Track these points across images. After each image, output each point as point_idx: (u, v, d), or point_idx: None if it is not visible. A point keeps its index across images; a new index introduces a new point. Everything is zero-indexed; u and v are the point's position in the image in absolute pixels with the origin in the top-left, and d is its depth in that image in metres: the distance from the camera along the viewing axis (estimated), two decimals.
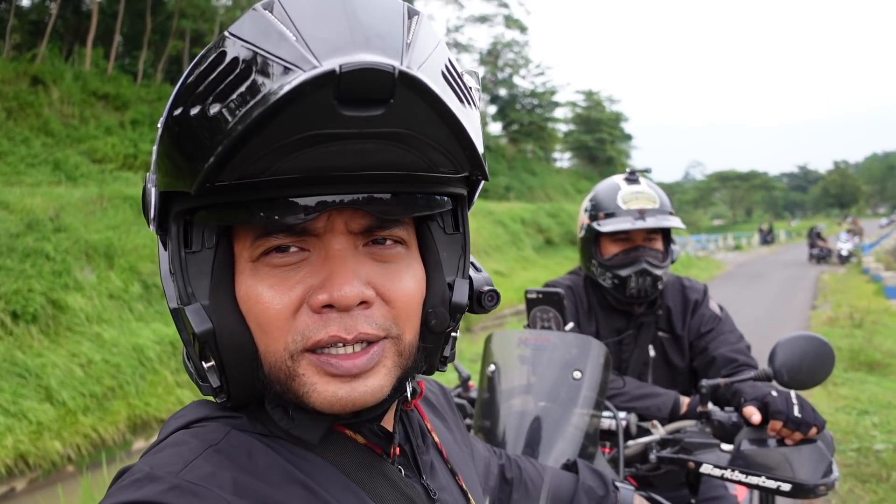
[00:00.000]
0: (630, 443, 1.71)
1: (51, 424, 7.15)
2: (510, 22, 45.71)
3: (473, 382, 2.10)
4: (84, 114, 16.89)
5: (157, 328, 9.42)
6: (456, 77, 0.61)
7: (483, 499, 0.93)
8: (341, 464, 0.69)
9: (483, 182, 0.75)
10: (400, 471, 0.75)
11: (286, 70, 0.50)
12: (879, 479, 4.38)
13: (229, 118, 0.52)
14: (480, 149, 0.63)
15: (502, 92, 45.85)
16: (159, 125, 0.63)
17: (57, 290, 8.85)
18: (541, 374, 1.61)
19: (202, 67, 0.55)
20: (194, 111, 0.54)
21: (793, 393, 1.54)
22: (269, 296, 0.63)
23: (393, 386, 0.67)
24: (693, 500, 1.98)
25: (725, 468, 1.52)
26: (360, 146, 0.56)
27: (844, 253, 24.01)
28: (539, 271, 21.44)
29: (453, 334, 0.75)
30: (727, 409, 1.69)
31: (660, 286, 2.03)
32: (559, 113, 51.74)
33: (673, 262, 2.12)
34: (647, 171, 2.18)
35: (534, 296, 1.76)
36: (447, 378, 6.32)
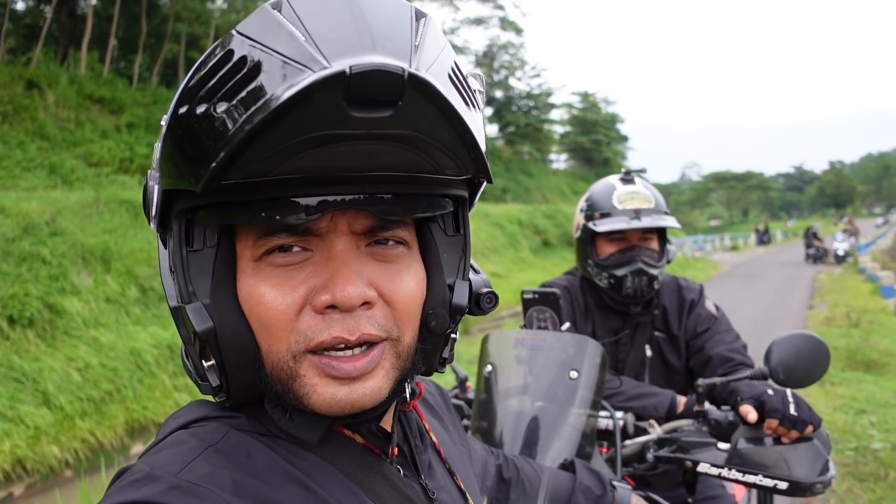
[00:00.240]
0: (627, 442, 1.72)
1: (48, 429, 7.12)
2: (506, 24, 45.73)
3: (471, 383, 2.10)
4: (80, 117, 16.84)
5: (155, 332, 9.40)
6: (461, 79, 0.61)
7: (481, 499, 0.93)
8: (340, 464, 0.69)
9: (484, 184, 0.75)
10: (399, 471, 0.75)
11: (295, 70, 0.50)
12: (877, 478, 4.39)
13: (237, 117, 0.52)
14: (484, 151, 0.64)
15: (498, 94, 45.85)
16: (163, 123, 0.63)
17: (53, 294, 8.82)
18: (537, 375, 1.62)
19: (209, 65, 0.55)
20: (200, 109, 0.54)
21: (788, 391, 1.54)
22: (272, 295, 0.63)
23: (391, 388, 0.67)
24: (690, 500, 1.99)
25: (722, 467, 1.52)
26: (368, 147, 0.56)
27: (841, 253, 24.07)
28: (536, 273, 21.44)
29: (452, 336, 0.75)
30: (724, 408, 1.70)
31: (656, 286, 2.04)
32: (555, 115, 51.78)
33: (669, 261, 2.12)
34: (642, 171, 2.19)
35: (530, 296, 1.76)
36: (445, 379, 6.31)
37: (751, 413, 1.54)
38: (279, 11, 0.54)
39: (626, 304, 2.12)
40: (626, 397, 1.90)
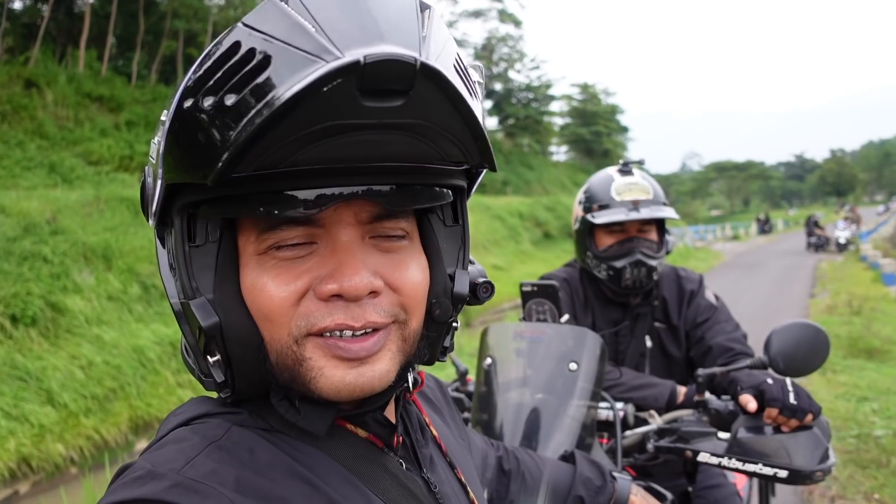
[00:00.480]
0: (627, 433, 1.72)
1: (53, 427, 7.15)
2: (504, 16, 45.57)
3: (471, 376, 2.11)
4: (79, 116, 16.82)
5: (157, 329, 9.42)
6: (464, 70, 0.62)
7: (481, 491, 0.93)
8: (343, 458, 0.70)
9: (482, 174, 0.76)
10: (401, 464, 0.75)
11: (308, 61, 0.50)
12: (879, 465, 4.40)
13: (248, 108, 0.52)
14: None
15: (498, 86, 45.74)
16: (164, 118, 0.63)
17: (56, 292, 8.84)
18: (537, 367, 1.62)
19: (214, 58, 0.55)
20: (208, 102, 0.54)
21: (788, 380, 1.55)
22: (274, 285, 0.63)
23: (398, 372, 0.68)
24: (691, 489, 2.00)
25: (723, 456, 1.52)
26: (378, 137, 0.56)
27: (842, 241, 24.03)
28: (537, 265, 21.44)
29: (454, 325, 0.76)
30: (724, 397, 1.70)
31: (655, 277, 2.04)
32: (555, 106, 51.69)
33: (668, 252, 2.12)
34: (640, 162, 2.19)
35: (529, 288, 1.77)
36: (446, 373, 6.33)
37: (751, 402, 1.54)
38: (286, 4, 0.54)
39: (626, 296, 2.12)
40: (626, 388, 1.90)
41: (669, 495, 1.66)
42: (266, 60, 0.52)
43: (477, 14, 45.46)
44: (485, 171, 0.76)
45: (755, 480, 2.15)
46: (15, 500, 6.44)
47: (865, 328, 8.43)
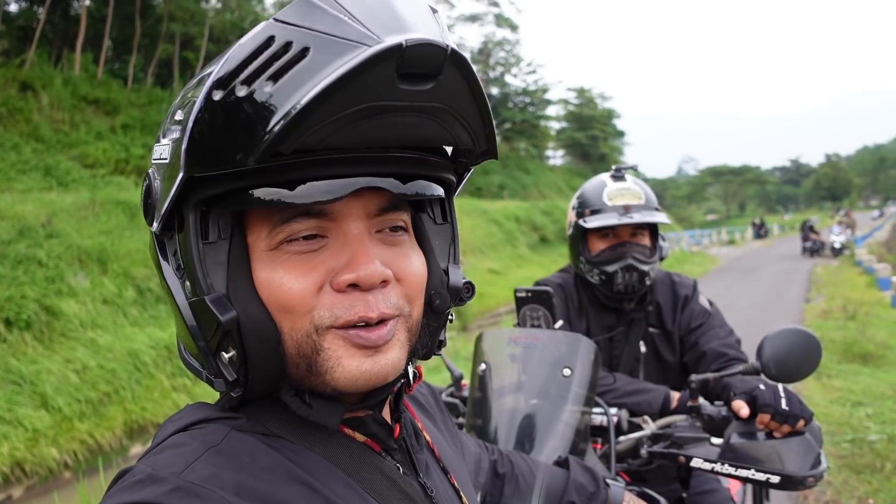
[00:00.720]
0: (621, 438, 1.72)
1: (47, 431, 7.12)
2: (501, 21, 45.67)
3: (466, 381, 2.11)
4: (74, 119, 16.78)
5: (152, 333, 9.39)
6: None
7: (475, 497, 0.94)
8: (341, 462, 0.70)
9: (471, 171, 0.80)
10: (398, 468, 0.76)
11: (350, 46, 0.55)
12: (873, 470, 4.41)
13: (293, 90, 0.55)
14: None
15: (494, 91, 45.81)
16: (180, 117, 0.64)
17: (50, 296, 8.81)
18: (531, 372, 1.62)
19: (247, 52, 0.57)
20: (243, 92, 0.57)
21: (780, 386, 1.55)
22: (290, 278, 0.65)
23: (405, 362, 0.71)
24: (685, 494, 2.00)
25: (715, 462, 1.53)
26: (408, 119, 0.61)
27: (837, 245, 24.12)
28: (534, 269, 21.45)
29: (450, 317, 0.79)
30: (716, 403, 1.71)
31: (647, 282, 2.05)
32: (551, 111, 51.82)
33: (662, 258, 2.13)
34: (633, 167, 2.20)
35: (523, 294, 1.77)
36: (441, 377, 6.32)
37: (743, 408, 1.55)
38: (319, 0, 0.57)
39: (620, 301, 2.13)
40: (619, 394, 1.90)
41: (663, 500, 1.66)
42: (305, 49, 0.56)
43: (474, 18, 45.56)
44: (472, 170, 0.80)
45: (749, 485, 2.15)
46: None
47: (860, 333, 8.46)
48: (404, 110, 0.59)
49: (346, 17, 0.56)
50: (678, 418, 1.74)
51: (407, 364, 0.72)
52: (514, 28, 46.81)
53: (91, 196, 11.99)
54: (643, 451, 1.69)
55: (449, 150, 0.75)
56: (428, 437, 0.89)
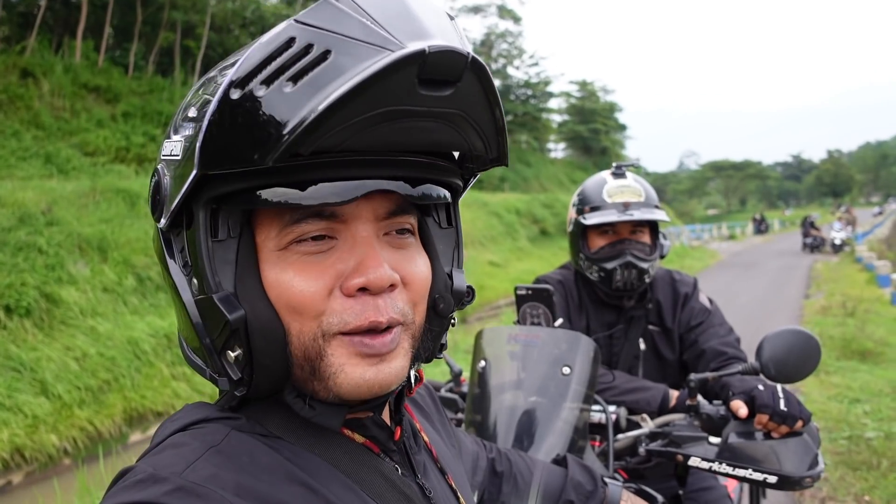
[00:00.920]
0: (620, 436, 1.73)
1: (46, 418, 7.14)
2: (503, 12, 45.48)
3: (465, 377, 2.12)
4: (75, 106, 16.73)
5: (152, 321, 9.41)
6: None
7: (472, 497, 0.94)
8: (341, 463, 0.70)
9: (476, 177, 0.80)
10: (397, 469, 0.76)
11: (374, 50, 0.55)
12: (870, 467, 4.43)
13: (313, 92, 0.55)
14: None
15: (496, 83, 45.60)
16: (193, 114, 0.64)
17: (50, 283, 8.82)
18: (531, 370, 1.63)
19: (266, 52, 0.57)
20: (261, 92, 0.57)
21: (779, 387, 1.56)
22: (300, 280, 0.65)
23: (408, 369, 0.71)
24: (682, 491, 2.01)
25: (713, 461, 1.53)
26: (425, 124, 0.62)
27: (838, 242, 24.12)
28: (534, 262, 21.47)
29: (452, 322, 0.79)
30: (715, 402, 1.71)
31: (646, 279, 2.05)
32: (553, 103, 51.60)
33: (662, 256, 2.13)
34: (634, 164, 2.20)
35: (523, 292, 1.78)
36: (440, 370, 6.34)
37: (741, 408, 1.55)
38: (342, 4, 0.58)
39: (620, 298, 2.13)
40: (618, 392, 1.91)
41: (660, 498, 1.67)
42: (327, 52, 0.56)
43: (476, 10, 45.36)
44: (478, 175, 0.80)
45: (746, 483, 2.16)
46: (8, 491, 6.44)
47: (859, 330, 8.47)
48: (423, 115, 0.60)
49: (368, 21, 0.56)
50: (677, 417, 1.75)
51: (409, 369, 0.72)
52: (516, 20, 46.62)
53: (91, 184, 11.98)
54: (641, 450, 1.69)
55: (457, 154, 0.75)
56: (426, 438, 0.89)
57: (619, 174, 2.11)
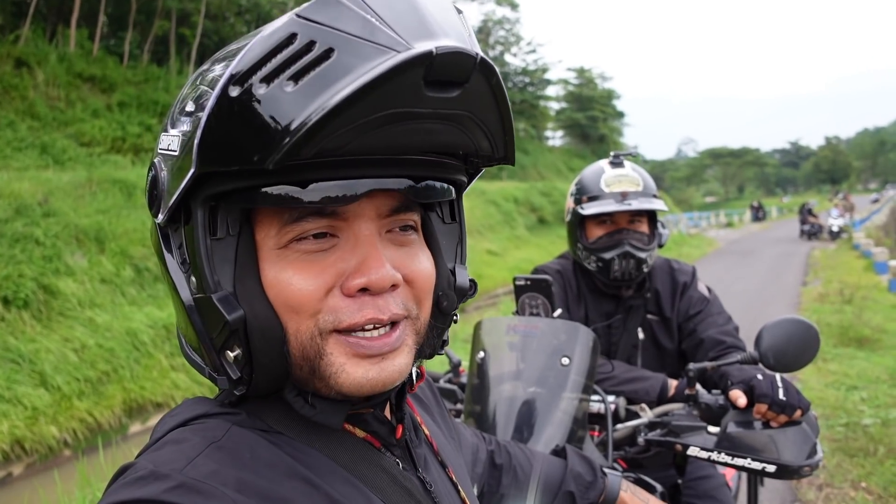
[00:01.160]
0: (619, 426, 1.73)
1: (46, 409, 7.16)
2: None
3: (464, 367, 2.11)
4: (70, 96, 16.62)
5: (151, 312, 9.41)
6: None
7: (472, 490, 0.94)
8: (341, 458, 0.70)
9: (481, 172, 0.79)
10: (397, 463, 0.76)
11: (379, 51, 0.53)
12: (867, 454, 4.45)
13: (316, 94, 0.53)
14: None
15: None
16: (191, 108, 0.63)
17: (48, 275, 8.81)
18: (529, 361, 1.63)
19: (265, 48, 0.55)
20: (261, 91, 0.55)
21: (778, 376, 1.56)
22: (300, 279, 0.64)
23: (412, 365, 0.70)
24: (680, 480, 2.02)
25: (712, 450, 1.54)
26: (430, 126, 0.60)
27: (835, 229, 24.17)
28: (532, 250, 21.49)
29: (455, 318, 0.79)
30: (714, 392, 1.71)
31: (645, 269, 2.04)
32: (551, 91, 51.48)
33: (661, 245, 2.12)
34: (632, 153, 2.18)
35: (522, 283, 1.77)
36: (439, 362, 6.34)
37: (740, 398, 1.55)
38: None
39: (618, 288, 2.13)
40: (617, 381, 1.91)
41: (659, 487, 1.68)
42: (329, 51, 0.54)
43: None
44: (483, 171, 0.79)
45: (744, 472, 2.17)
46: (8, 482, 6.47)
47: (856, 317, 8.48)
48: (428, 117, 0.58)
49: (373, 19, 0.54)
50: (675, 406, 1.75)
51: (412, 365, 0.71)
52: (513, 6, 46.36)
53: (88, 174, 11.93)
54: (640, 439, 1.70)
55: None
56: (426, 431, 0.89)
57: (617, 163, 2.10)
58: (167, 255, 0.68)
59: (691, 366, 1.70)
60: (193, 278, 0.65)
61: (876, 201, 49.99)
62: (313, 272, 0.64)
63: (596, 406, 1.72)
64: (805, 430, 1.50)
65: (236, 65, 0.57)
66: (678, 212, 35.88)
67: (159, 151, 0.69)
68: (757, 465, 1.47)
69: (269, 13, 24.16)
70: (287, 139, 0.54)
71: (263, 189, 0.61)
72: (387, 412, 0.79)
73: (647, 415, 1.76)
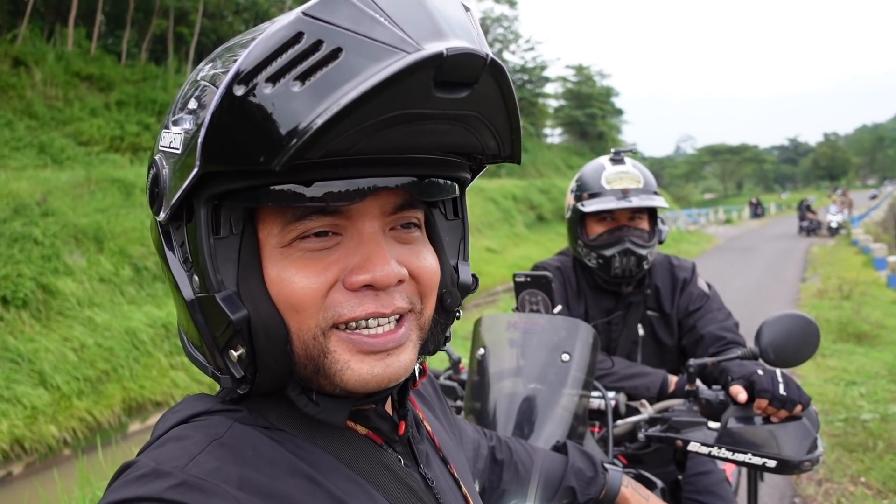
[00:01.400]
0: (619, 422, 1.73)
1: (45, 409, 7.16)
2: None
3: (464, 364, 2.11)
4: (68, 95, 16.58)
5: (150, 311, 9.40)
6: None
7: (473, 486, 0.94)
8: (343, 455, 0.70)
9: (485, 168, 0.79)
10: (399, 460, 0.76)
11: (388, 51, 0.53)
12: (866, 449, 4.46)
13: (323, 95, 0.53)
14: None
15: None
16: (194, 106, 0.62)
17: (47, 274, 8.80)
18: (530, 357, 1.63)
19: (271, 47, 0.54)
20: (267, 90, 0.54)
21: (778, 371, 1.56)
22: (302, 276, 0.64)
23: (416, 361, 0.70)
24: (681, 476, 2.02)
25: (713, 446, 1.54)
26: (438, 127, 0.60)
27: (834, 225, 24.21)
28: (531, 247, 21.48)
29: (458, 314, 0.79)
30: (714, 387, 1.71)
31: (645, 266, 2.04)
32: (549, 88, 51.68)
33: (661, 242, 2.12)
34: (632, 150, 2.18)
35: (522, 279, 1.77)
36: (439, 359, 6.35)
37: (741, 393, 1.55)
38: None
39: (618, 284, 2.13)
40: (617, 377, 1.91)
41: (660, 482, 1.68)
42: (337, 50, 0.53)
43: None
44: (486, 167, 0.78)
45: (744, 467, 2.17)
46: (8, 482, 6.46)
47: (855, 312, 8.49)
48: (436, 118, 0.58)
49: (381, 18, 0.54)
50: (676, 402, 1.75)
51: (416, 361, 0.71)
52: (512, 4, 46.36)
53: (86, 174, 11.91)
54: (641, 435, 1.70)
55: None
56: (428, 427, 0.89)
57: (617, 160, 2.10)
58: (168, 253, 0.68)
59: (691, 361, 1.70)
60: (196, 277, 0.65)
61: (874, 197, 50.05)
62: (316, 270, 0.64)
63: (596, 402, 1.72)
64: (805, 424, 1.51)
65: (241, 63, 0.56)
66: (677, 209, 35.88)
67: (160, 148, 0.68)
68: (757, 461, 1.48)
69: (267, 12, 24.11)
70: (294, 141, 0.53)
71: (267, 188, 0.61)
72: (389, 408, 0.78)
73: (647, 411, 1.76)
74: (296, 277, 0.63)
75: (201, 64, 0.67)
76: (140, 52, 21.53)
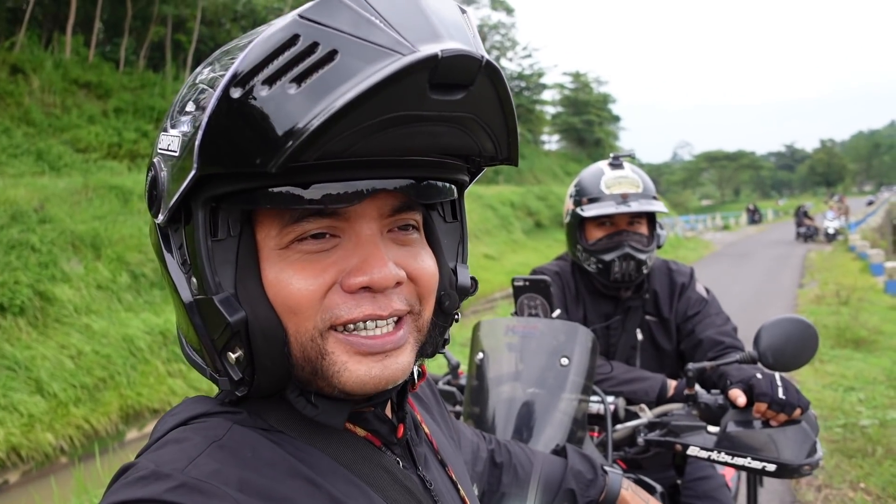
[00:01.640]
0: (618, 427, 1.73)
1: (42, 416, 7.13)
2: (496, 3, 45.37)
3: (463, 369, 2.11)
4: (66, 102, 16.62)
5: (147, 318, 9.39)
6: None
7: (472, 488, 0.94)
8: (342, 457, 0.70)
9: (483, 171, 0.79)
10: (398, 462, 0.76)
11: (383, 53, 0.53)
12: (865, 454, 4.46)
13: (319, 97, 0.53)
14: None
15: None
16: (191, 109, 0.62)
17: (44, 281, 8.79)
18: (529, 362, 1.62)
19: (267, 49, 0.55)
20: (264, 92, 0.54)
21: (777, 375, 1.56)
22: (300, 278, 0.64)
23: (414, 363, 0.70)
24: (680, 481, 2.01)
25: (712, 450, 1.53)
26: (434, 129, 0.60)
27: (831, 231, 24.27)
28: (529, 254, 21.49)
29: (457, 317, 0.79)
30: (713, 391, 1.71)
31: (644, 270, 2.04)
32: (547, 95, 51.72)
33: (660, 246, 2.12)
34: (630, 155, 2.19)
35: (521, 283, 1.77)
36: (437, 363, 6.34)
37: (740, 397, 1.55)
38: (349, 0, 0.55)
39: (617, 289, 2.13)
40: (616, 382, 1.91)
41: (659, 487, 1.67)
42: (333, 53, 0.53)
43: (469, 1, 45.19)
44: (484, 170, 0.78)
45: (743, 472, 2.17)
46: (5, 490, 6.43)
47: (853, 318, 8.50)
48: (432, 120, 0.58)
49: (377, 20, 0.54)
50: (675, 406, 1.75)
51: (414, 364, 0.71)
52: (509, 11, 46.53)
53: (84, 181, 11.91)
54: (640, 440, 1.69)
55: None
56: (426, 430, 0.89)
57: (616, 165, 2.10)
58: (167, 256, 0.68)
59: (690, 366, 1.70)
60: (194, 279, 0.65)
61: (871, 203, 50.21)
62: (314, 272, 0.64)
63: (595, 407, 1.72)
64: (805, 428, 1.50)
65: (238, 65, 0.56)
66: (674, 215, 35.93)
67: (159, 151, 0.68)
68: (757, 465, 1.47)
69: (264, 19, 24.19)
70: (290, 143, 0.53)
71: (265, 190, 0.61)
72: (388, 411, 0.78)
73: (646, 415, 1.75)
74: (293, 279, 0.63)
75: (200, 67, 0.67)
76: (138, 59, 21.60)
